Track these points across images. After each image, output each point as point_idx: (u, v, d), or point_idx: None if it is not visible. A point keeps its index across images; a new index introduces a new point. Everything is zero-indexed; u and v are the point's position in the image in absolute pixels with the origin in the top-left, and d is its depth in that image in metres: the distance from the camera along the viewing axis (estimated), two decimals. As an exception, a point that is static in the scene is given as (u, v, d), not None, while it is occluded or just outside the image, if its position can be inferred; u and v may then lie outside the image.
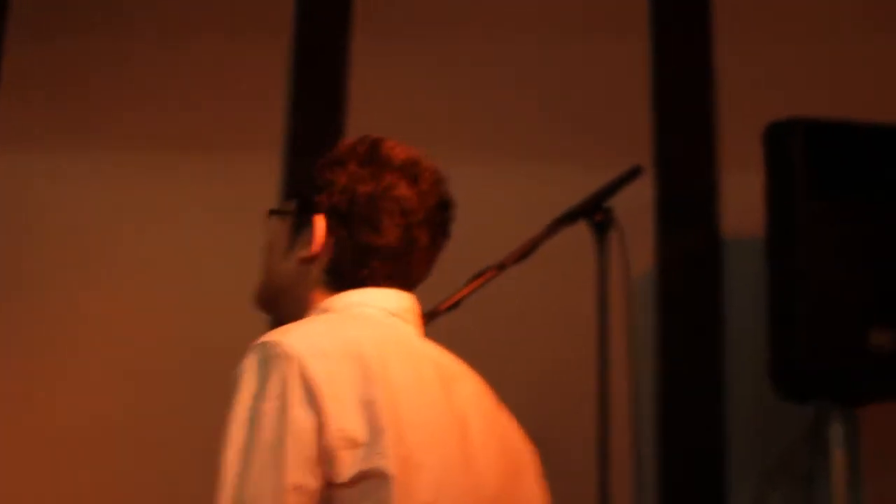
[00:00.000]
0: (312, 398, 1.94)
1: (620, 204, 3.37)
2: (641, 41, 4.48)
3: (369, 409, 1.96)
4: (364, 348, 2.04)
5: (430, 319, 2.81)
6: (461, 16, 4.56)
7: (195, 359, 4.08)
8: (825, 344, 3.64)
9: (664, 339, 4.22)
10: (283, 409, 1.93)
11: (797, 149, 3.77)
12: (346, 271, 2.21)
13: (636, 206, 4.03)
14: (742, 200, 4.15)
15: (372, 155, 2.23)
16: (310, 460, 1.92)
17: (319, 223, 2.21)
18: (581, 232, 3.33)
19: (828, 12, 4.52)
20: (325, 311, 2.19)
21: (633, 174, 3.39)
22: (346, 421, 1.94)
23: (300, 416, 1.93)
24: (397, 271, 2.23)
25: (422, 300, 2.38)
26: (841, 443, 3.74)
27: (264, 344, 2.01)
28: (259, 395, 1.95)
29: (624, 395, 3.36)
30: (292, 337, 2.02)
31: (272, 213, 2.35)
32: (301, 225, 2.25)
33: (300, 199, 2.28)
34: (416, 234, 2.22)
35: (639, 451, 3.57)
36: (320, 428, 1.93)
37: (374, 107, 4.39)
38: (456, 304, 2.95)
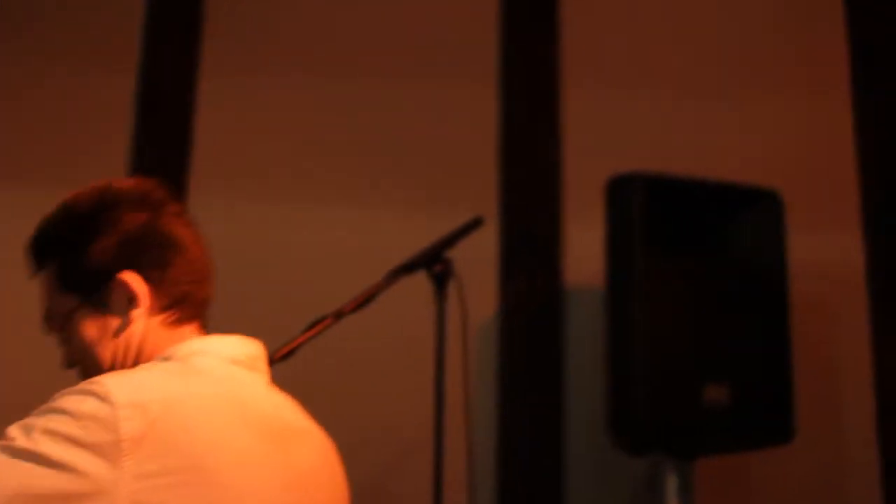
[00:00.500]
0: (113, 452, 1.81)
1: (464, 252, 3.38)
2: (489, 89, 4.50)
3: (175, 474, 1.84)
4: (189, 410, 1.91)
5: (265, 368, 2.78)
6: (310, 62, 4.53)
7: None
8: (661, 398, 3.67)
9: (504, 389, 4.22)
10: (69, 453, 1.80)
11: (636, 203, 3.80)
12: (181, 298, 2.13)
13: (480, 255, 4.04)
14: (585, 251, 4.17)
15: (111, 199, 2.14)
16: None
17: (130, 277, 2.10)
18: (422, 281, 3.33)
19: (677, 69, 4.58)
20: (167, 359, 2.08)
21: (473, 225, 3.40)
22: (141, 485, 1.81)
23: (89, 468, 1.80)
24: (206, 276, 2.18)
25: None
26: (676, 495, 3.77)
27: (92, 382, 1.88)
28: (54, 431, 1.82)
29: (461, 446, 3.34)
30: (119, 384, 1.89)
31: (54, 327, 2.19)
32: (103, 299, 2.12)
33: (84, 281, 2.13)
34: (184, 231, 2.17)
35: (475, 502, 3.56)
36: (110, 486, 1.80)
37: (219, 149, 4.35)
38: (291, 353, 2.92)
